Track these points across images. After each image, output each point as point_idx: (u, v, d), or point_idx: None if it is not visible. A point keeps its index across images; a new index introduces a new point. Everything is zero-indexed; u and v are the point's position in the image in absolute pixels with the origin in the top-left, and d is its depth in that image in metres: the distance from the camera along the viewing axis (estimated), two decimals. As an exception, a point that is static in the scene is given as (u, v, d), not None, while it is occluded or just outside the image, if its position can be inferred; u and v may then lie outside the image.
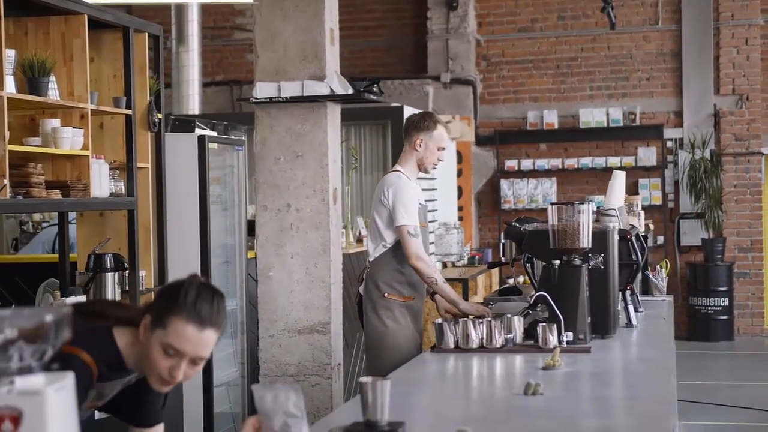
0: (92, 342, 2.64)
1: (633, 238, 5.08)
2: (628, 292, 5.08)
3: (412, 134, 5.32)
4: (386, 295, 5.21)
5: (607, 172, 12.62)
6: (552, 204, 4.43)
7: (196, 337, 2.58)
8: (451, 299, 5.14)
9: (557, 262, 4.39)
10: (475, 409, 3.28)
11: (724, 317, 12.36)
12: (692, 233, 12.67)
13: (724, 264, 12.40)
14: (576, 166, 12.82)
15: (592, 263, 4.46)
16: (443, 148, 5.34)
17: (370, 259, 5.31)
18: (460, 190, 12.40)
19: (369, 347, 5.33)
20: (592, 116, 12.79)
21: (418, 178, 5.49)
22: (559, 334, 4.23)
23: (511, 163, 13.00)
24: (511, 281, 12.19)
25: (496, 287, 10.55)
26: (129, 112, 5.58)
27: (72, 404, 1.76)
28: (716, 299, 12.32)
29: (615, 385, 3.74)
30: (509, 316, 4.35)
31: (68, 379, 1.76)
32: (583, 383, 3.67)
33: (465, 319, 4.33)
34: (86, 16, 5.15)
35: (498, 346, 4.23)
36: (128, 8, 12.71)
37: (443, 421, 3.02)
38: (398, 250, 5.18)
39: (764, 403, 8.84)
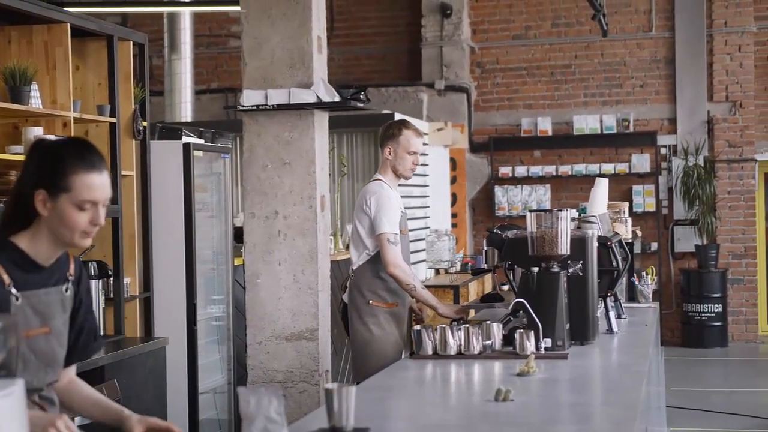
0: None
1: (615, 244, 5.09)
2: (609, 299, 5.09)
3: (382, 144, 5.46)
4: (371, 302, 5.26)
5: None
6: (531, 211, 4.45)
7: (101, 182, 2.72)
8: (430, 305, 5.20)
9: (536, 269, 4.40)
10: (444, 416, 3.29)
11: (718, 324, 12.37)
12: (686, 240, 12.68)
13: (718, 270, 12.40)
14: (570, 173, 12.84)
15: (570, 270, 4.47)
16: (414, 153, 5.38)
17: (354, 267, 5.38)
18: (454, 196, 12.42)
19: (355, 354, 5.37)
20: (585, 123, 12.81)
21: (400, 185, 5.53)
22: (537, 340, 4.24)
23: (505, 170, 13.02)
24: (505, 288, 12.21)
25: (489, 294, 10.55)
26: (113, 120, 5.60)
27: (22, 411, 1.78)
28: (710, 306, 12.32)
29: (586, 391, 3.75)
30: (488, 322, 4.36)
31: (18, 386, 1.78)
32: (555, 389, 3.67)
33: (443, 325, 4.35)
34: (69, 24, 5.18)
35: (476, 352, 4.23)
36: (123, 16, 12.76)
37: (411, 427, 3.04)
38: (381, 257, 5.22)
39: (757, 409, 8.84)
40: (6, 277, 2.65)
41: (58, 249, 2.76)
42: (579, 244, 4.54)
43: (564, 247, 4.39)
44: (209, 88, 13.42)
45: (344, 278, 5.53)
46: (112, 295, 5.62)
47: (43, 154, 2.72)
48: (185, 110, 10.65)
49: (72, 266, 2.86)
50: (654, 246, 12.61)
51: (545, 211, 4.44)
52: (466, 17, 13.13)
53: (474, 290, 9.90)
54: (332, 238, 7.90)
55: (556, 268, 4.41)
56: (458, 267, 10.46)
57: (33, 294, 2.71)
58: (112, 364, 5.06)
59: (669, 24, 12.81)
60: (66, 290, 2.82)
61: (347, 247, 8.22)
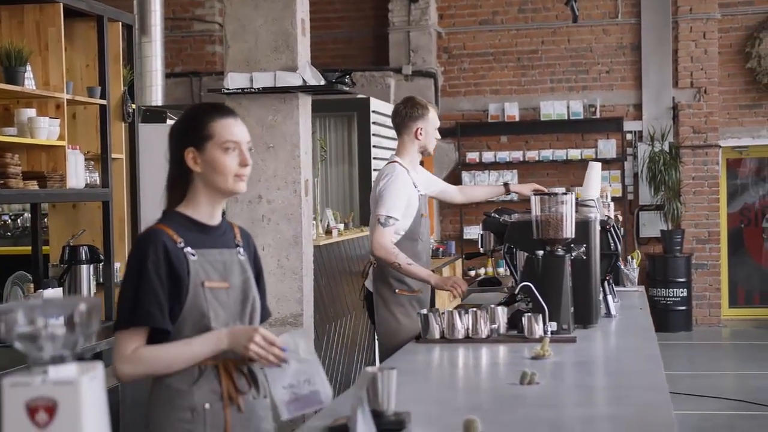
0: (161, 220, 2.91)
1: (611, 227, 5.11)
2: (606, 282, 5.11)
3: (410, 125, 5.29)
4: (397, 291, 5.14)
5: (568, 164, 12.72)
6: (535, 194, 4.44)
7: (238, 125, 2.90)
8: (423, 279, 5.09)
9: (541, 252, 4.40)
10: (474, 399, 3.27)
11: (683, 308, 12.51)
12: (651, 225, 12.80)
13: (683, 255, 12.54)
14: (537, 159, 12.88)
15: (574, 253, 4.47)
16: (437, 127, 5.39)
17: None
18: (421, 182, 12.39)
19: (384, 343, 5.23)
20: (552, 109, 12.86)
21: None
22: (544, 324, 4.24)
23: (472, 156, 13.04)
24: (482, 272, 12.23)
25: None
26: (103, 102, 5.50)
27: (103, 394, 1.74)
28: (675, 290, 12.46)
29: (605, 374, 3.76)
30: (493, 306, 4.36)
31: (99, 369, 1.73)
32: (574, 372, 3.68)
33: (451, 309, 4.33)
34: (61, 4, 5.08)
35: (483, 336, 4.22)
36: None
37: (446, 410, 3.01)
38: (404, 243, 5.11)
39: (722, 391, 8.98)
40: (177, 238, 2.82)
41: (216, 203, 2.91)
42: (582, 227, 4.54)
43: (569, 231, 4.39)
44: (173, 72, 13.26)
45: (365, 265, 5.36)
46: (102, 280, 5.53)
47: (181, 120, 2.95)
48: (156, 93, 10.49)
49: (237, 232, 2.98)
50: (620, 231, 12.69)
51: (550, 194, 4.43)
52: (433, 2, 13.11)
53: (447, 274, 9.91)
54: (313, 223, 7.85)
55: (560, 252, 4.41)
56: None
57: (208, 252, 2.86)
58: (109, 350, 4.99)
59: (635, 10, 12.89)
60: (240, 254, 2.94)
61: (327, 232, 8.18)
